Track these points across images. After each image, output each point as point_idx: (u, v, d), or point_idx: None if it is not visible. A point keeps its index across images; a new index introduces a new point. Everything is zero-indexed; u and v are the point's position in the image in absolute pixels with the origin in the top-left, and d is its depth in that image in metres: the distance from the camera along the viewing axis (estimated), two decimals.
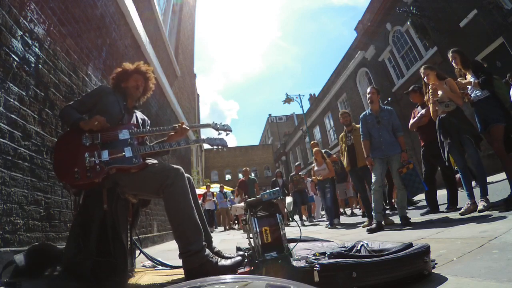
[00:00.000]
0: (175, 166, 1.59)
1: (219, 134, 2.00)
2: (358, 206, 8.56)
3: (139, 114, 1.99)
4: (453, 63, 2.94)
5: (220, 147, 1.94)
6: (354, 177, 4.22)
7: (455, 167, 3.19)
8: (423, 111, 3.40)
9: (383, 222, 3.11)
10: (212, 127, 2.00)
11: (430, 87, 2.84)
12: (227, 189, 10.65)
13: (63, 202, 2.14)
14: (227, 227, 9.22)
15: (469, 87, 2.81)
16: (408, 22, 9.25)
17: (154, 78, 2.04)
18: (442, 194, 3.76)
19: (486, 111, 2.69)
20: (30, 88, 1.88)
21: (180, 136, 1.92)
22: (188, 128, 1.94)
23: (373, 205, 3.15)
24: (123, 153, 1.59)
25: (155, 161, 1.72)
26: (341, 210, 7.25)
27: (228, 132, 2.02)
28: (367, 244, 1.37)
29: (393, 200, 5.40)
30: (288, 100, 15.47)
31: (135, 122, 1.86)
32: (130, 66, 1.94)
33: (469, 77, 2.79)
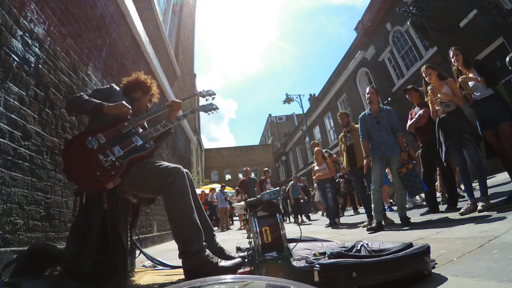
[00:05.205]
0: (175, 165, 1.59)
1: (206, 100, 2.23)
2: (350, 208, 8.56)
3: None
4: (453, 60, 2.91)
5: (213, 111, 2.16)
6: (354, 177, 4.22)
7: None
8: (421, 111, 3.40)
9: (383, 222, 3.12)
10: (198, 95, 2.26)
11: (428, 88, 2.84)
12: (228, 189, 10.65)
13: (63, 202, 2.14)
14: (225, 228, 9.23)
15: (471, 85, 2.80)
16: (408, 22, 9.24)
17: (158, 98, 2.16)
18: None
19: (490, 110, 2.67)
20: (30, 88, 1.88)
21: (177, 111, 2.05)
22: (180, 101, 2.08)
23: (372, 205, 3.15)
24: (135, 143, 1.63)
25: (155, 160, 1.72)
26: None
27: (213, 96, 2.25)
28: (367, 244, 1.37)
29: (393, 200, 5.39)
30: (288, 100, 15.47)
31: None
32: (150, 84, 2.01)
33: (471, 75, 2.79)
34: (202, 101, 2.27)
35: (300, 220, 7.68)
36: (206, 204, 11.25)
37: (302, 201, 8.19)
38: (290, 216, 9.15)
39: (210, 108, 2.14)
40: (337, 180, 7.34)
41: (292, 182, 8.24)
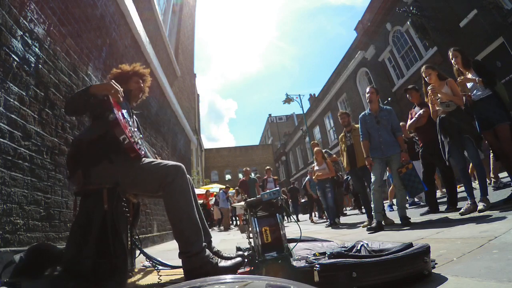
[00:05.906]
0: (175, 163, 1.58)
1: None
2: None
3: (135, 117, 2.00)
4: (453, 61, 2.92)
5: None
6: (354, 177, 4.22)
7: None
8: (421, 111, 3.40)
9: (383, 222, 3.12)
10: None
11: (428, 88, 2.84)
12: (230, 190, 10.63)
13: (63, 202, 2.14)
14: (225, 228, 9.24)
15: (469, 86, 2.80)
16: (408, 22, 9.25)
17: (150, 80, 2.05)
18: None
19: (488, 110, 2.68)
20: (30, 88, 1.88)
21: None
22: None
23: (372, 205, 3.15)
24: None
25: (153, 159, 1.72)
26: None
27: None
28: (367, 244, 1.37)
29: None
30: (288, 100, 15.47)
31: (135, 125, 1.88)
32: (128, 68, 1.93)
33: (470, 76, 2.79)
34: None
35: (322, 216, 7.30)
36: (215, 203, 11.25)
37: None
38: (293, 216, 9.06)
39: None
40: (345, 177, 7.26)
41: (308, 177, 8.07)
